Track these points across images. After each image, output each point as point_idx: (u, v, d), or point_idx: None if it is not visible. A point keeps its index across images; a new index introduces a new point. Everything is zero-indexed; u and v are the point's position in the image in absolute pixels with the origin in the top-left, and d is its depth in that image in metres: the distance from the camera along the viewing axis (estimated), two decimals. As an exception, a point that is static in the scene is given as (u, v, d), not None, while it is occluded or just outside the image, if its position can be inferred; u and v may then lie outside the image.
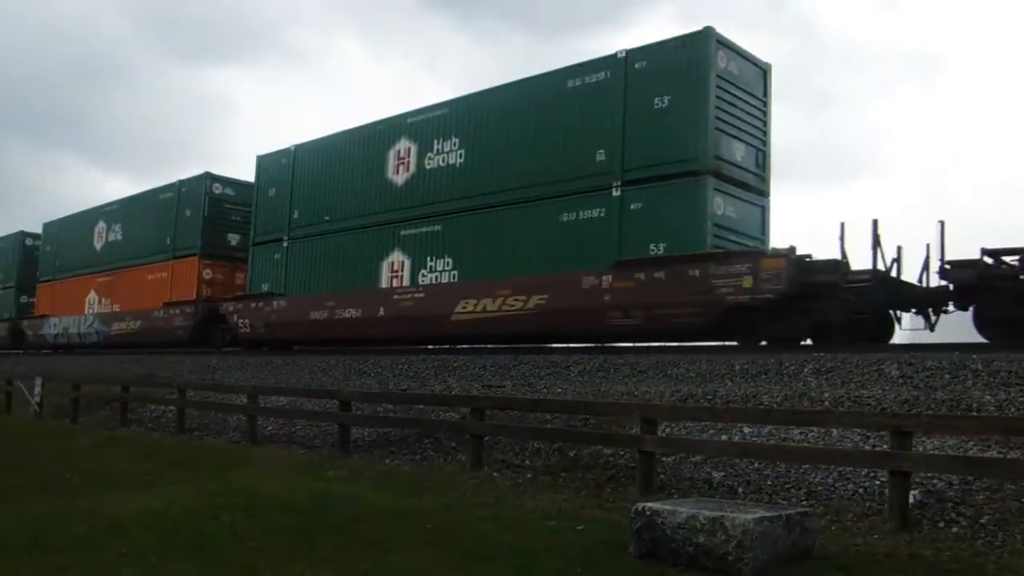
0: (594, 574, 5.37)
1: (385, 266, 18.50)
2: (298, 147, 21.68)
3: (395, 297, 17.90)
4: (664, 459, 8.73)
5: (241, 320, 21.95)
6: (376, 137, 19.37)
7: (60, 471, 11.40)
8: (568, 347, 16.24)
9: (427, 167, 17.93)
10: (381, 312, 18.08)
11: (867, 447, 7.83)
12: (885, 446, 7.24)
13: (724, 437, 8.76)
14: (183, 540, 6.36)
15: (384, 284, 18.38)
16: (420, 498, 8.20)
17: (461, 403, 10.94)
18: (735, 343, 13.78)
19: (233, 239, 25.45)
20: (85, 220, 31.01)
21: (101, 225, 30.02)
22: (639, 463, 8.32)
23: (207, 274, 24.91)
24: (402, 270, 18.12)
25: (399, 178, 18.58)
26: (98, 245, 29.87)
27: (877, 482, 7.34)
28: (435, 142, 17.80)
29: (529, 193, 15.94)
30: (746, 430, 8.81)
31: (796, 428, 8.43)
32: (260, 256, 22.27)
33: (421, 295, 17.36)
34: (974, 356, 9.97)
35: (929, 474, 7.12)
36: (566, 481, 8.99)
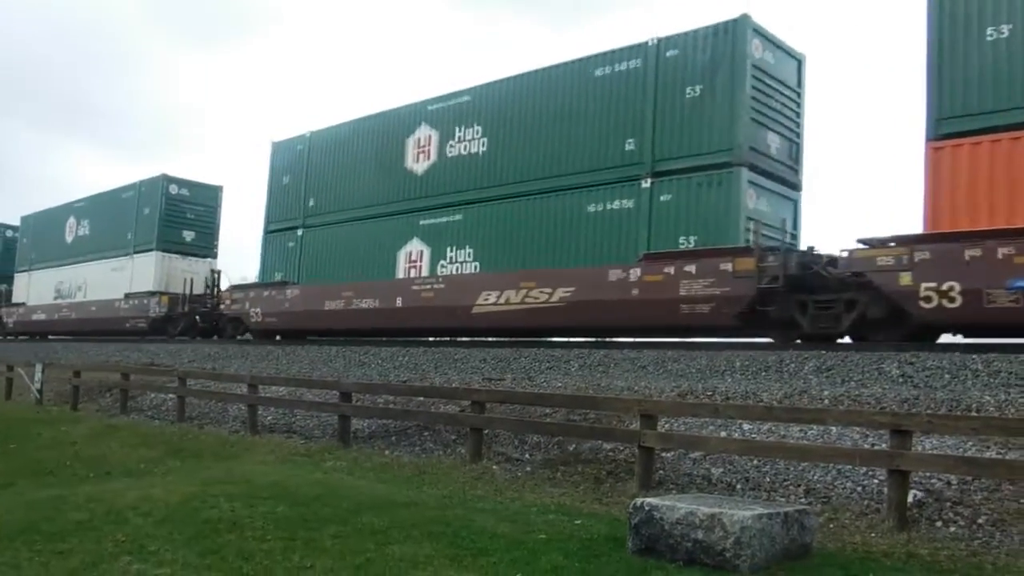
0: (592, 568, 5.37)
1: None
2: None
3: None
4: (663, 455, 8.74)
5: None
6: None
7: (60, 458, 11.46)
8: (569, 341, 16.28)
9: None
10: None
11: (866, 446, 7.83)
12: (884, 445, 7.25)
13: (723, 433, 8.76)
14: (182, 528, 6.38)
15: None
16: (419, 490, 8.22)
17: (461, 396, 10.94)
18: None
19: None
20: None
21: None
22: (638, 458, 8.33)
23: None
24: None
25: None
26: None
27: (876, 481, 7.35)
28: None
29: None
30: (746, 427, 8.82)
31: (796, 426, 8.43)
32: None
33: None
34: (974, 356, 9.98)
35: (927, 473, 7.13)
36: (565, 475, 9.01)
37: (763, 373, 11.02)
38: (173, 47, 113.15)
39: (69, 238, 31.86)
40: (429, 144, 18.87)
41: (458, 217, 17.87)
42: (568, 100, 16.18)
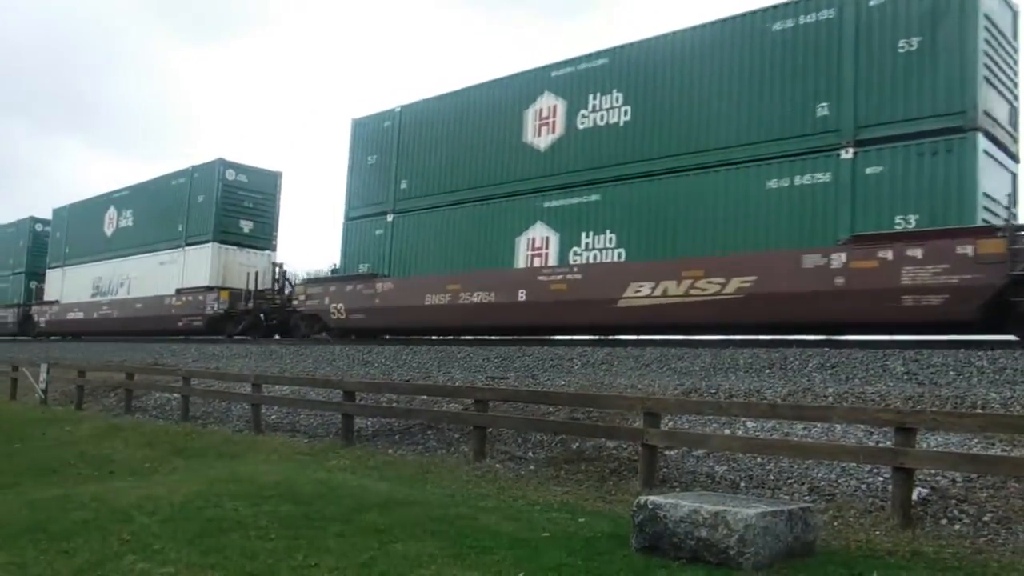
0: (595, 567, 5.37)
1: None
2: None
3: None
4: (667, 453, 8.74)
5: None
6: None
7: (64, 457, 11.48)
8: (572, 339, 16.25)
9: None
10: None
11: (871, 443, 7.82)
12: (889, 442, 7.24)
13: (727, 431, 8.76)
14: (186, 527, 6.38)
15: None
16: (423, 488, 8.22)
17: (464, 394, 10.94)
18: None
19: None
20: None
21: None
22: (642, 456, 8.32)
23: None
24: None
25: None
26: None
27: (880, 478, 7.33)
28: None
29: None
30: (749, 425, 8.81)
31: (800, 423, 8.42)
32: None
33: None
34: (980, 353, 9.97)
35: (932, 471, 7.11)
36: (568, 473, 9.00)
37: (767, 370, 11.01)
38: (175, 44, 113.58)
39: (109, 231, 29.39)
40: (554, 115, 16.49)
41: (595, 197, 15.60)
42: (737, 60, 13.96)
